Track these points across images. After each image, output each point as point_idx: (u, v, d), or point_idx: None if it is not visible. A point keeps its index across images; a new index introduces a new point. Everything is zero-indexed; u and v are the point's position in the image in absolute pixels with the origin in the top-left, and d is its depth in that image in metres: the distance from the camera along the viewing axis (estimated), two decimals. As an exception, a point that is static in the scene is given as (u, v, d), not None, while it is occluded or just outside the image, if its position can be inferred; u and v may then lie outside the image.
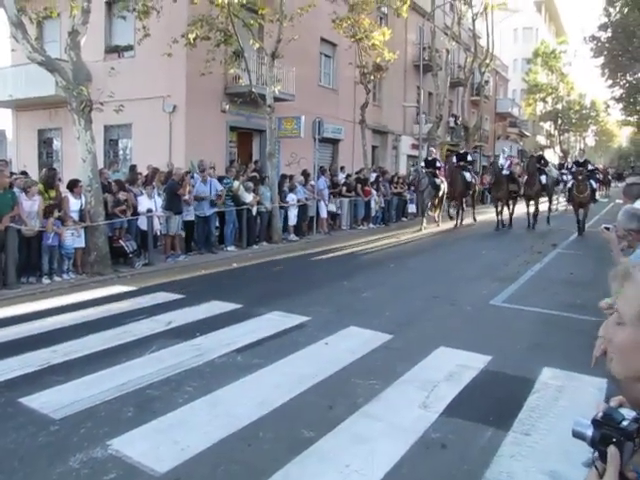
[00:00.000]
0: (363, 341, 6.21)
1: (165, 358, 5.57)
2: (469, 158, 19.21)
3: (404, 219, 20.27)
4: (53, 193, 9.72)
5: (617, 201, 23.97)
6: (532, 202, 17.79)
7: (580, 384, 4.97)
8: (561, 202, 24.83)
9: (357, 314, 7.32)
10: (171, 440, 3.91)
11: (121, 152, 18.08)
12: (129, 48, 17.02)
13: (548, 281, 9.59)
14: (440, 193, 18.21)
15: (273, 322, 6.92)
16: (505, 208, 18.07)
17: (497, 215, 17.69)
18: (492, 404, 4.68)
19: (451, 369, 5.41)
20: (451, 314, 7.47)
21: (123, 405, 4.46)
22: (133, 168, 13.05)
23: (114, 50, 17.63)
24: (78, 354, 5.65)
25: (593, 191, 16.56)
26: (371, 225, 18.10)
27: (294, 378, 5.09)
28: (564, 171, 20.19)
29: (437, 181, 17.79)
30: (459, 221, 18.77)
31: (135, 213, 10.92)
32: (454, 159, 19.16)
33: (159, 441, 3.92)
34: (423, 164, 18.67)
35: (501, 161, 18.82)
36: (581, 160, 17.59)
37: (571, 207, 17.42)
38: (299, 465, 3.66)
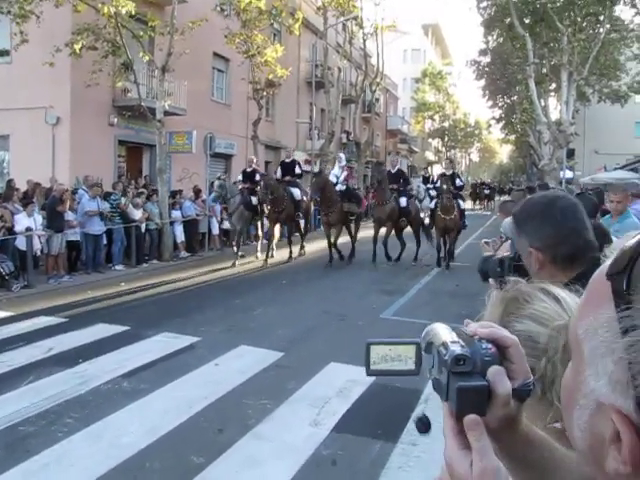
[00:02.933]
0: (254, 360, 6.16)
1: (44, 388, 5.23)
2: (297, 170, 14.24)
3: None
4: None
5: (498, 214, 25.57)
6: (384, 229, 13.30)
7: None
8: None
9: (248, 333, 7.26)
10: (46, 480, 3.66)
11: (-3, 165, 16.86)
12: (4, 53, 15.91)
13: (436, 293, 10.03)
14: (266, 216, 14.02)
15: (162, 344, 6.71)
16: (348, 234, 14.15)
17: (329, 246, 13.19)
18: (381, 417, 4.81)
19: (341, 384, 5.49)
20: (342, 329, 7.60)
21: (-11, 447, 4.11)
22: (10, 183, 12.22)
23: (-15, 54, 16.43)
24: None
25: (462, 212, 12.98)
26: (264, 241, 18.03)
27: (183, 402, 4.95)
28: (429, 185, 14.96)
29: (254, 200, 13.55)
30: (297, 250, 14.64)
31: (12, 232, 10.19)
32: (278, 172, 14.47)
33: (31, 483, 3.65)
34: (240, 178, 14.45)
35: (335, 171, 14.06)
36: (448, 172, 13.07)
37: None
38: (186, 495, 3.56)
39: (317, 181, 12.86)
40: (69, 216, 11.23)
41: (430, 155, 59.78)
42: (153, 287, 10.49)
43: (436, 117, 54.02)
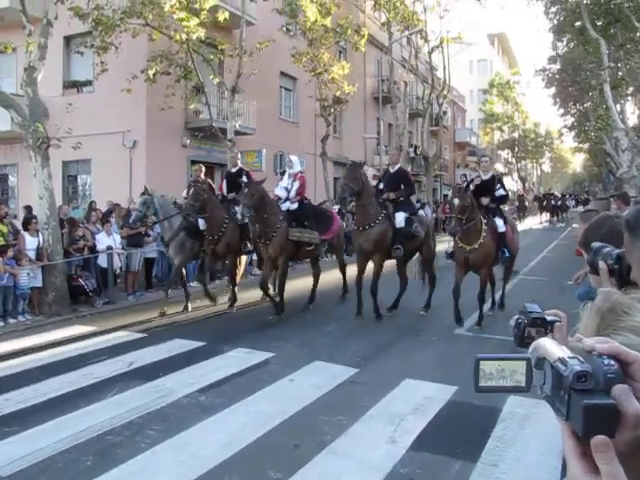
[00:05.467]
0: (329, 376, 6.15)
1: (127, 401, 5.42)
2: (244, 179, 9.82)
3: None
4: (5, 229, 9.49)
5: (574, 225, 24.64)
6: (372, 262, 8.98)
7: (545, 411, 4.98)
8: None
9: (322, 348, 7.26)
10: (132, 489, 3.78)
11: (80, 188, 17.80)
12: (88, 83, 16.93)
13: (510, 308, 9.68)
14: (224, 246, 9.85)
15: (237, 359, 6.81)
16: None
17: (267, 293, 9.31)
18: (459, 435, 4.67)
19: (418, 401, 5.39)
20: (416, 345, 7.48)
21: (82, 454, 4.29)
22: (91, 205, 12.86)
23: (72, 85, 17.51)
24: (33, 401, 5.43)
25: (500, 238, 8.34)
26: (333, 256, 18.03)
27: (259, 417, 5.00)
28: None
29: (203, 224, 9.75)
30: (232, 296, 10.07)
31: (93, 250, 10.70)
32: (224, 187, 10.52)
33: (120, 491, 3.78)
34: (185, 194, 10.32)
35: (284, 183, 9.75)
36: (485, 177, 8.65)
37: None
38: (266, 509, 3.57)
39: (250, 191, 8.69)
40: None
41: (500, 167, 58.39)
42: (226, 303, 10.65)
43: (505, 128, 52.76)
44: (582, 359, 0.71)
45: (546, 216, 37.44)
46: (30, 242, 9.52)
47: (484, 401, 5.30)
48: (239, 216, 9.06)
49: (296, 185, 9.54)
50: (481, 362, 0.82)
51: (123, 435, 4.64)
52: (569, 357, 0.72)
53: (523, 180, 58.88)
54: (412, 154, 32.34)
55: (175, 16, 12.72)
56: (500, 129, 52.51)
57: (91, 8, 12.41)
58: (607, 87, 20.12)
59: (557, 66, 30.86)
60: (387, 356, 6.98)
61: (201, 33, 13.18)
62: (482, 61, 55.95)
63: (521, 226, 33.27)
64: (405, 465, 4.14)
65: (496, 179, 8.78)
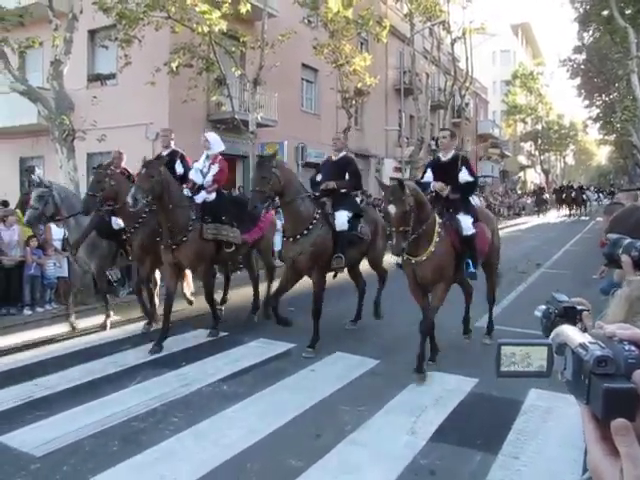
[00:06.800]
0: (350, 367, 6.19)
1: (151, 389, 5.52)
2: (179, 169, 8.47)
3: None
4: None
5: (598, 219, 24.31)
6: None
7: (566, 404, 4.97)
8: None
9: (343, 340, 7.29)
10: (157, 474, 3.86)
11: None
12: (112, 76, 17.12)
13: (532, 302, 9.51)
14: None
15: (258, 350, 6.89)
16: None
17: (165, 313, 7.11)
18: (480, 427, 4.68)
19: (438, 393, 5.41)
20: (437, 338, 7.45)
21: (108, 439, 4.40)
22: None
23: (97, 78, 17.73)
24: (61, 387, 5.58)
25: (464, 242, 6.11)
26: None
27: (281, 406, 5.06)
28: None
29: (116, 223, 7.91)
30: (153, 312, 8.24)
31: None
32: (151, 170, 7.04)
33: (145, 475, 3.86)
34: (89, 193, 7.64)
35: (199, 164, 8.34)
36: (445, 157, 6.49)
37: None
38: (287, 496, 3.63)
39: (149, 171, 6.78)
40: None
41: (523, 159, 57.73)
42: (248, 293, 10.70)
43: (528, 119, 52.07)
44: (603, 345, 0.73)
45: (566, 209, 35.55)
46: (56, 232, 9.69)
47: (505, 393, 5.30)
48: (129, 200, 6.58)
49: (214, 169, 7.87)
50: (502, 347, 0.84)
51: (147, 422, 4.73)
52: (590, 342, 0.74)
53: (546, 173, 58.17)
54: (434, 146, 32.12)
55: (197, 9, 12.76)
56: (523, 121, 51.87)
57: (115, 2, 12.50)
58: (635, 77, 19.75)
59: (582, 56, 30.43)
60: (407, 348, 6.96)
61: (223, 25, 13.22)
62: (505, 52, 55.23)
63: (541, 220, 32.91)
64: (425, 456, 4.16)
65: (460, 160, 6.44)
